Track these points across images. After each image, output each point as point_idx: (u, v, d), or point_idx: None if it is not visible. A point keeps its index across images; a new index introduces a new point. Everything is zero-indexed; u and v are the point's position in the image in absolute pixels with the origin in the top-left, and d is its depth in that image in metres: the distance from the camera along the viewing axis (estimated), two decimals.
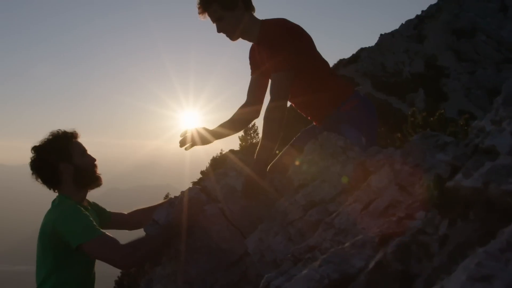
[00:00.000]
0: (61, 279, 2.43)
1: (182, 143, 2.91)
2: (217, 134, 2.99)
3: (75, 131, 2.64)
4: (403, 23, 34.38)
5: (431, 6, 35.91)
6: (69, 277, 2.45)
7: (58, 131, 2.59)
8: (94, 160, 2.66)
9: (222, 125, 3.02)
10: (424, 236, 0.65)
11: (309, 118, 3.12)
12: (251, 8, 2.78)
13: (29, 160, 2.53)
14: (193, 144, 2.92)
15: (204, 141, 2.95)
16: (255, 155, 2.64)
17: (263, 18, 2.83)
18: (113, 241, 2.35)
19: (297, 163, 2.67)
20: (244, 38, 2.86)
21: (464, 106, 23.35)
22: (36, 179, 2.53)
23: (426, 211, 0.70)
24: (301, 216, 1.93)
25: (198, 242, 2.55)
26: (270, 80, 3.02)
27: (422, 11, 35.68)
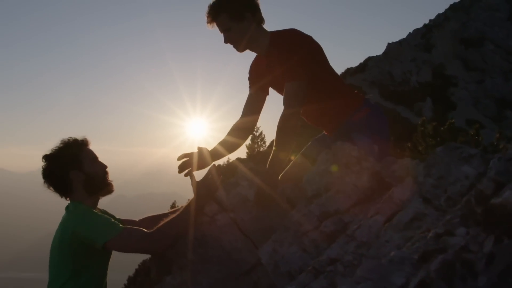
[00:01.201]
0: (78, 285, 2.43)
1: (181, 169, 2.81)
2: (218, 153, 2.93)
3: (85, 138, 2.64)
4: (411, 32, 34.33)
5: (438, 15, 35.88)
6: (86, 283, 2.45)
7: (68, 139, 2.60)
8: (105, 167, 2.67)
9: (222, 141, 2.97)
10: (468, 254, 0.62)
11: (319, 127, 3.10)
12: (259, 20, 2.77)
13: (41, 169, 2.53)
14: (192, 170, 2.80)
15: (203, 165, 2.87)
16: (268, 163, 2.62)
17: (271, 28, 2.84)
18: (139, 231, 2.38)
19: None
20: (251, 49, 2.86)
21: (472, 116, 23.23)
22: (48, 187, 2.54)
23: (466, 227, 0.68)
24: (316, 226, 1.91)
25: (209, 252, 2.53)
26: (269, 89, 3.00)
27: (430, 20, 35.64)
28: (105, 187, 2.64)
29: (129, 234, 2.35)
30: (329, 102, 2.84)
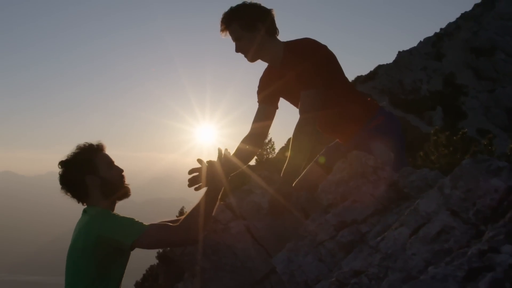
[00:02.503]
0: None
1: (192, 183, 2.71)
2: (234, 166, 2.82)
3: (100, 143, 2.64)
4: (421, 40, 34.24)
5: (449, 24, 35.78)
6: (106, 287, 2.44)
7: (84, 144, 2.60)
8: (121, 170, 2.67)
9: (237, 151, 2.90)
10: None
11: (333, 136, 3.07)
12: (272, 31, 2.76)
13: (58, 175, 2.53)
14: (203, 185, 2.66)
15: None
16: (282, 171, 2.60)
17: (284, 37, 2.82)
18: (165, 225, 2.38)
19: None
20: (263, 59, 2.85)
21: (483, 125, 23.07)
22: (66, 193, 2.53)
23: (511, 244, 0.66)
24: (332, 236, 1.89)
25: (222, 259, 2.52)
26: (278, 103, 2.96)
27: (441, 29, 35.55)
28: (121, 191, 2.64)
29: (157, 229, 2.35)
30: (344, 110, 2.82)
